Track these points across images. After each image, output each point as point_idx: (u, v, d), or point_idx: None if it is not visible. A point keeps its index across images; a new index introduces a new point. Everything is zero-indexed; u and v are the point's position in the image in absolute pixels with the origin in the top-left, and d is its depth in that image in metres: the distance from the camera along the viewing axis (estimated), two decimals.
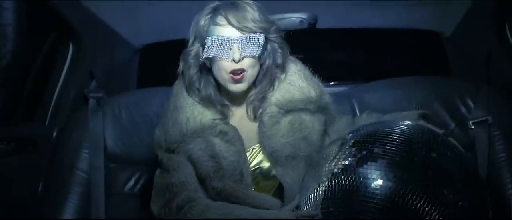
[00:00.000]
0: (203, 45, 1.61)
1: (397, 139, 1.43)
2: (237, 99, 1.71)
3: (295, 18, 2.19)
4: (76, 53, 2.20)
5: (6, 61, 1.77)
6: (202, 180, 1.63)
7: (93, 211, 2.05)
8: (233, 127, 1.67)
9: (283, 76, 1.70)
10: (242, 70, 1.58)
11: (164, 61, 1.99)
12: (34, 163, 2.06)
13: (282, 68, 1.70)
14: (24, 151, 2.01)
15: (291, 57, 1.74)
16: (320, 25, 2.31)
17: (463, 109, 2.13)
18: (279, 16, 2.01)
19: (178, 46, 1.73)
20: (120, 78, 2.64)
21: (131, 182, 2.18)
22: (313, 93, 1.69)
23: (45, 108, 2.16)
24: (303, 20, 2.21)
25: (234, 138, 1.65)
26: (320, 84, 1.75)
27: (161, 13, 2.32)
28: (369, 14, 2.44)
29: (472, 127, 2.07)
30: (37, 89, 2.14)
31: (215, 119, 1.65)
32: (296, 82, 1.69)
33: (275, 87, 1.68)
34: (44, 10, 1.98)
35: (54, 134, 2.15)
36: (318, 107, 1.70)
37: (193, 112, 1.65)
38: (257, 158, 1.70)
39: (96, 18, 2.25)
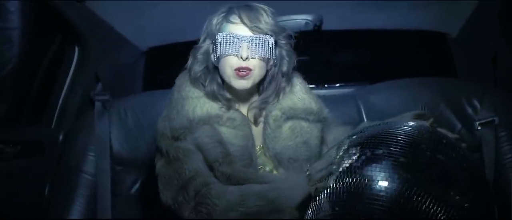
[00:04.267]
0: (213, 42, 1.64)
1: (401, 140, 1.42)
2: (240, 99, 1.73)
3: (300, 19, 2.20)
4: (81, 55, 2.20)
5: (12, 64, 1.76)
6: (210, 167, 1.63)
7: (99, 214, 2.05)
8: (241, 113, 1.70)
9: (288, 89, 1.74)
10: (248, 69, 1.60)
11: (170, 64, 1.99)
12: (41, 166, 2.06)
13: (288, 78, 1.73)
14: (31, 154, 2.01)
15: (295, 72, 1.77)
16: (326, 26, 2.31)
17: (470, 110, 2.13)
18: (285, 17, 2.02)
19: (184, 48, 1.73)
20: (125, 80, 2.65)
21: (137, 185, 2.17)
22: (313, 105, 1.75)
23: (51, 111, 2.16)
24: (309, 21, 2.22)
25: (242, 123, 1.68)
26: (319, 98, 1.81)
27: (166, 15, 2.32)
28: (375, 15, 2.43)
29: (479, 128, 2.06)
30: (43, 92, 2.13)
31: (222, 107, 1.67)
32: (298, 93, 1.75)
33: (280, 99, 1.72)
34: (50, 12, 1.99)
35: (60, 137, 2.15)
36: (318, 119, 1.76)
37: (200, 101, 1.67)
38: (258, 160, 1.71)
39: (101, 20, 2.25)
